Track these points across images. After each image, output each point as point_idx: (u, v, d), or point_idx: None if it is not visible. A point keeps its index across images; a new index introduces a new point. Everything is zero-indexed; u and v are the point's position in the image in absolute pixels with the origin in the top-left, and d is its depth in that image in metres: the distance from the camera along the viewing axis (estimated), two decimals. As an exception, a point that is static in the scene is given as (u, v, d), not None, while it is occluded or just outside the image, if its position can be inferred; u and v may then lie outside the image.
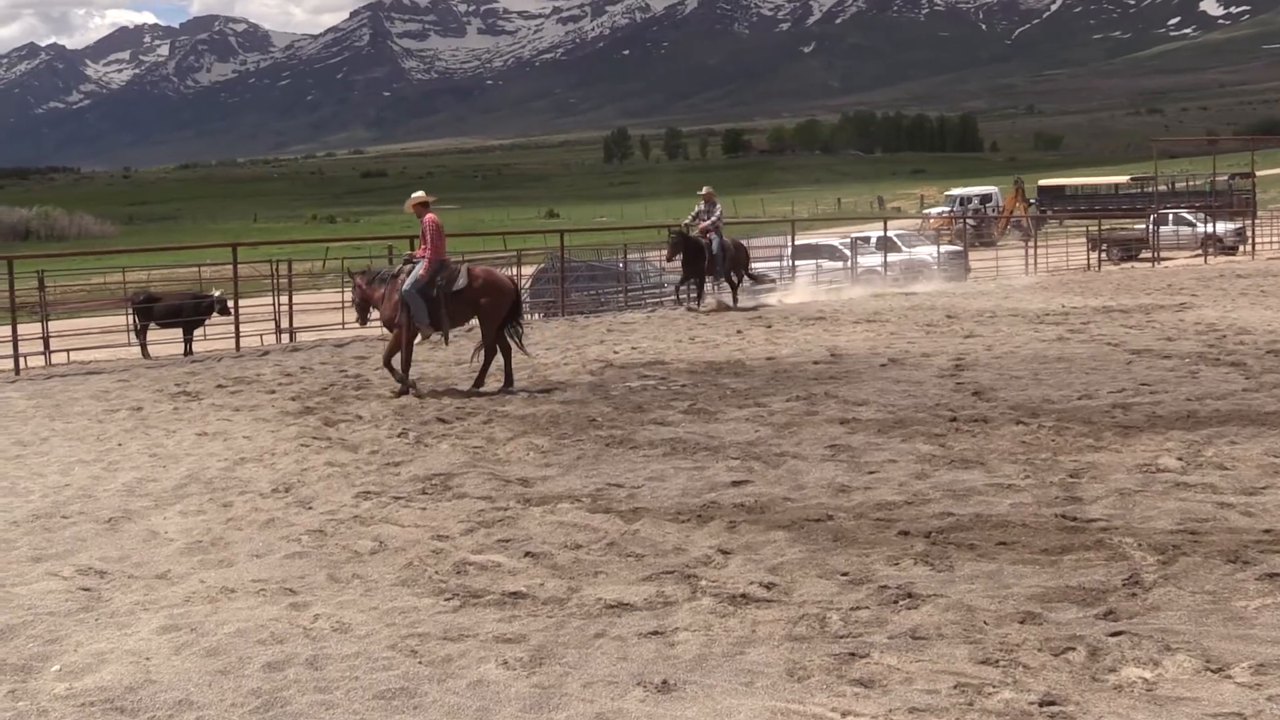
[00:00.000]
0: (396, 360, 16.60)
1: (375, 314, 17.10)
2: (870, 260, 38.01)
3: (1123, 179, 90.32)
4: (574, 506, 9.83)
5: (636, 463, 11.53)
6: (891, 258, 37.67)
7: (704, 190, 27.57)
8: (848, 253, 37.39)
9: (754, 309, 27.60)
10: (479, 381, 16.40)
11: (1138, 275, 37.20)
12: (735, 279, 27.95)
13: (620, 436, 12.83)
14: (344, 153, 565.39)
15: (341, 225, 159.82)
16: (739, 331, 23.13)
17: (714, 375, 17.25)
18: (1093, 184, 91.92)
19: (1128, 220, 61.44)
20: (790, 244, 36.05)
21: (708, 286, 28.26)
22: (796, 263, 35.05)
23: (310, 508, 10.13)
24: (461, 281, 16.48)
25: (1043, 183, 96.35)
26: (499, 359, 16.77)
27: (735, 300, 27.81)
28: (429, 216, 16.82)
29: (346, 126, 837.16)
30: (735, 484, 10.48)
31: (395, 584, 8.03)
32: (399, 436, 13.14)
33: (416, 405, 15.20)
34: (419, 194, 17.05)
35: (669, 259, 27.19)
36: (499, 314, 16.51)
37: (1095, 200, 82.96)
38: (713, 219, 26.94)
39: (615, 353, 20.39)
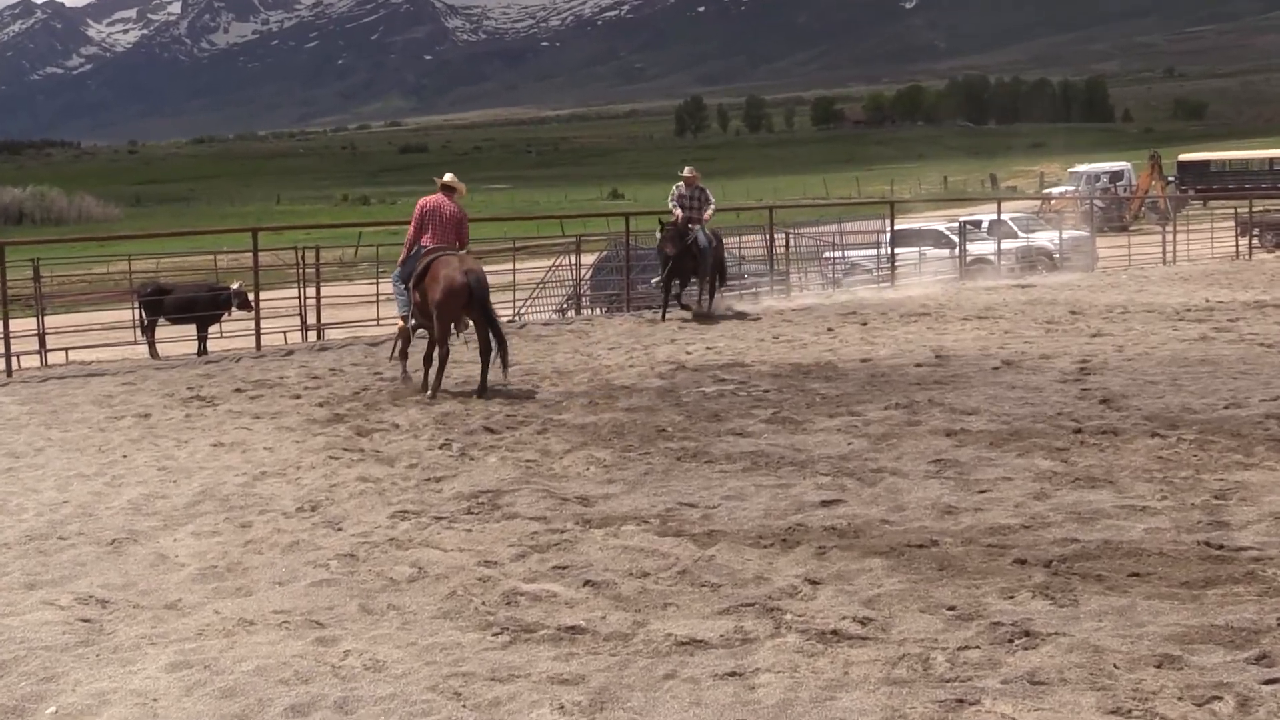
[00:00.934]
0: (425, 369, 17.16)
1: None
2: (982, 248, 37.81)
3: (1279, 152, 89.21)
4: (640, 529, 9.84)
5: (712, 479, 11.53)
6: (1006, 244, 37.43)
7: (686, 171, 25.95)
8: (955, 239, 37.22)
9: (845, 307, 27.50)
10: (432, 385, 16.74)
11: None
12: (716, 280, 26.37)
13: (693, 449, 12.83)
14: (379, 125, 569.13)
15: (376, 207, 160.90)
16: (830, 329, 23.08)
17: (801, 379, 17.22)
18: (1243, 158, 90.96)
19: (1282, 200, 60.73)
20: (889, 229, 35.91)
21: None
22: (896, 250, 34.91)
23: (340, 529, 10.20)
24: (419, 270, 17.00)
25: (1184, 157, 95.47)
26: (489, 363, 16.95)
27: (711, 305, 25.95)
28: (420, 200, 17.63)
29: (382, 95, 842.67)
30: (825, 504, 10.46)
31: (436, 616, 8.07)
32: (441, 448, 13.21)
33: (461, 413, 15.28)
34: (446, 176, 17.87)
35: (670, 253, 25.11)
36: (444, 313, 16.75)
37: (1246, 178, 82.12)
38: (709, 211, 25.55)
39: (688, 353, 20.40)
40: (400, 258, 17.66)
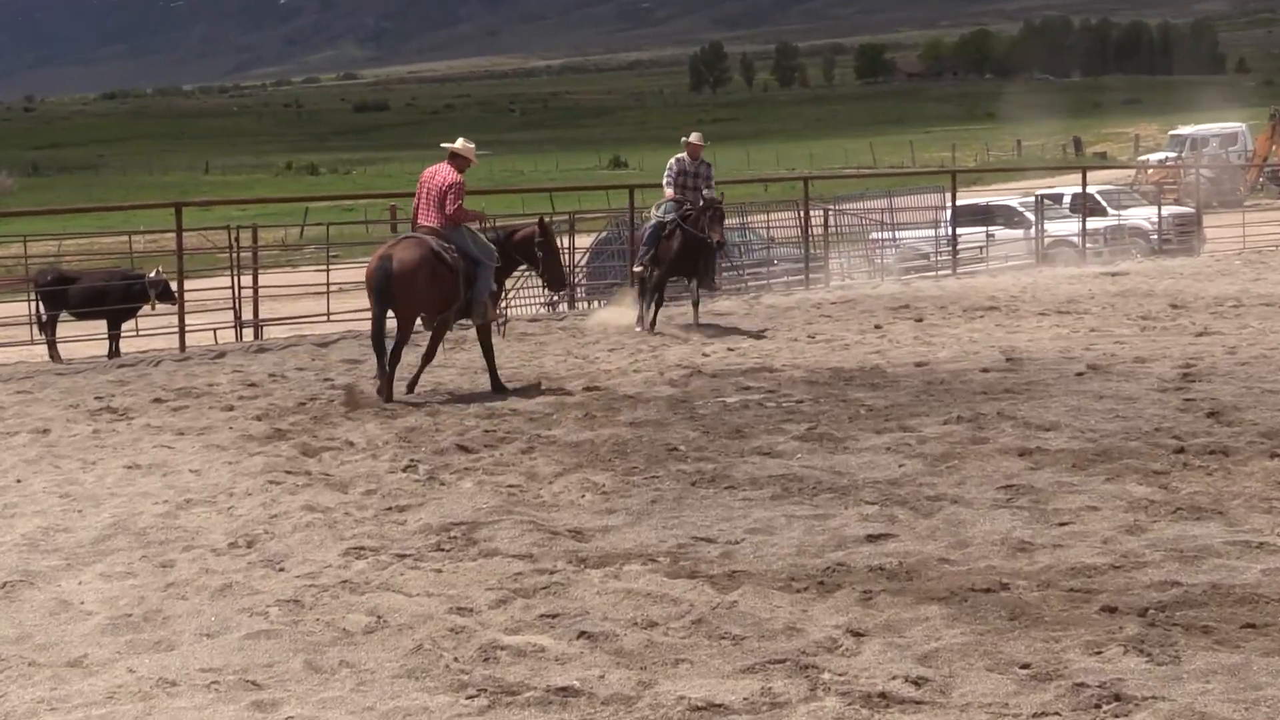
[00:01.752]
0: None
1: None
2: (1063, 227, 37.81)
3: None
4: (646, 569, 9.85)
5: (734, 508, 11.54)
6: (1093, 223, 37.44)
7: (693, 137, 24.66)
8: (1031, 217, 37.23)
9: (897, 300, 27.48)
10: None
11: None
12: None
13: (711, 472, 12.84)
14: (330, 78, 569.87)
15: (326, 178, 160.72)
16: (877, 327, 23.12)
17: (842, 387, 17.23)
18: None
19: None
20: (950, 205, 35.91)
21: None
22: (959, 231, 34.91)
23: (282, 569, 10.20)
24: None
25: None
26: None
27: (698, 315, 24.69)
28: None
29: (334, 42, 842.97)
30: (871, 539, 10.46)
31: (398, 675, 8.07)
32: (405, 471, 13.22)
33: (430, 428, 15.30)
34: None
35: (675, 252, 23.76)
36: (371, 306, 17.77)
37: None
38: (710, 190, 24.18)
39: (705, 355, 20.41)
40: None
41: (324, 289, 28.05)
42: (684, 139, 24.72)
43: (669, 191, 24.07)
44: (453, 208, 17.64)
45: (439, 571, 9.98)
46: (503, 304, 19.37)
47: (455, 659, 8.28)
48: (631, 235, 28.86)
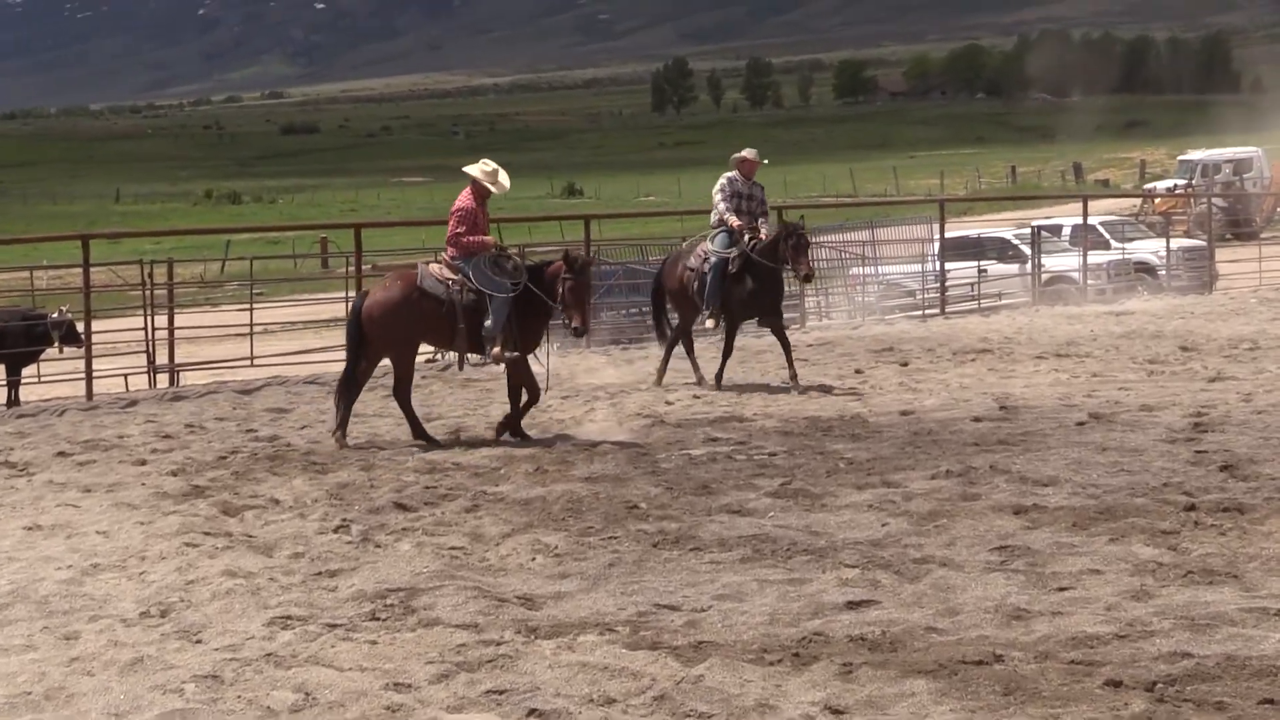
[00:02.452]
0: None
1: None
2: (1062, 261, 37.95)
3: None
4: (604, 639, 9.84)
5: (700, 572, 11.54)
6: (1095, 257, 37.60)
7: (747, 152, 23.41)
8: (1027, 250, 37.35)
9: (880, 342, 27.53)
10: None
11: None
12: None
13: (676, 532, 12.84)
14: (255, 97, 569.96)
15: (250, 207, 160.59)
16: (858, 371, 23.19)
17: (819, 438, 17.26)
18: None
19: None
20: (938, 237, 36.03)
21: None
22: (947, 265, 35.03)
23: (199, 641, 10.16)
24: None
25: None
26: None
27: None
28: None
29: (258, 58, 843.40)
30: (852, 606, 10.47)
31: (328, 759, 8.05)
32: (337, 531, 13.19)
33: (364, 484, 15.27)
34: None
35: (749, 293, 22.42)
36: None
37: None
38: (764, 226, 22.70)
39: (668, 403, 20.42)
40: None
41: (247, 330, 28.05)
42: (737, 155, 23.36)
43: (732, 219, 22.39)
44: (451, 234, 17.97)
45: (374, 643, 9.95)
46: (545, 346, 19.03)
47: (392, 740, 8.27)
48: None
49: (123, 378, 26.54)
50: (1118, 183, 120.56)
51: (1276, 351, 24.33)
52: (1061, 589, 10.74)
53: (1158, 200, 62.45)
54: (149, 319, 26.69)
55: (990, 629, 9.89)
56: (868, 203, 72.79)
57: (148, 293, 27.50)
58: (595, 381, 22.41)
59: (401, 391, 18.08)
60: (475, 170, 18.32)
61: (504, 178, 18.31)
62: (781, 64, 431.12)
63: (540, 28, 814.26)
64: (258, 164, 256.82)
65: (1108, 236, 40.75)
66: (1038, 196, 79.96)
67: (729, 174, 22.95)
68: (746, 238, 22.18)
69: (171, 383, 25.24)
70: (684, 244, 24.88)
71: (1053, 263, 37.68)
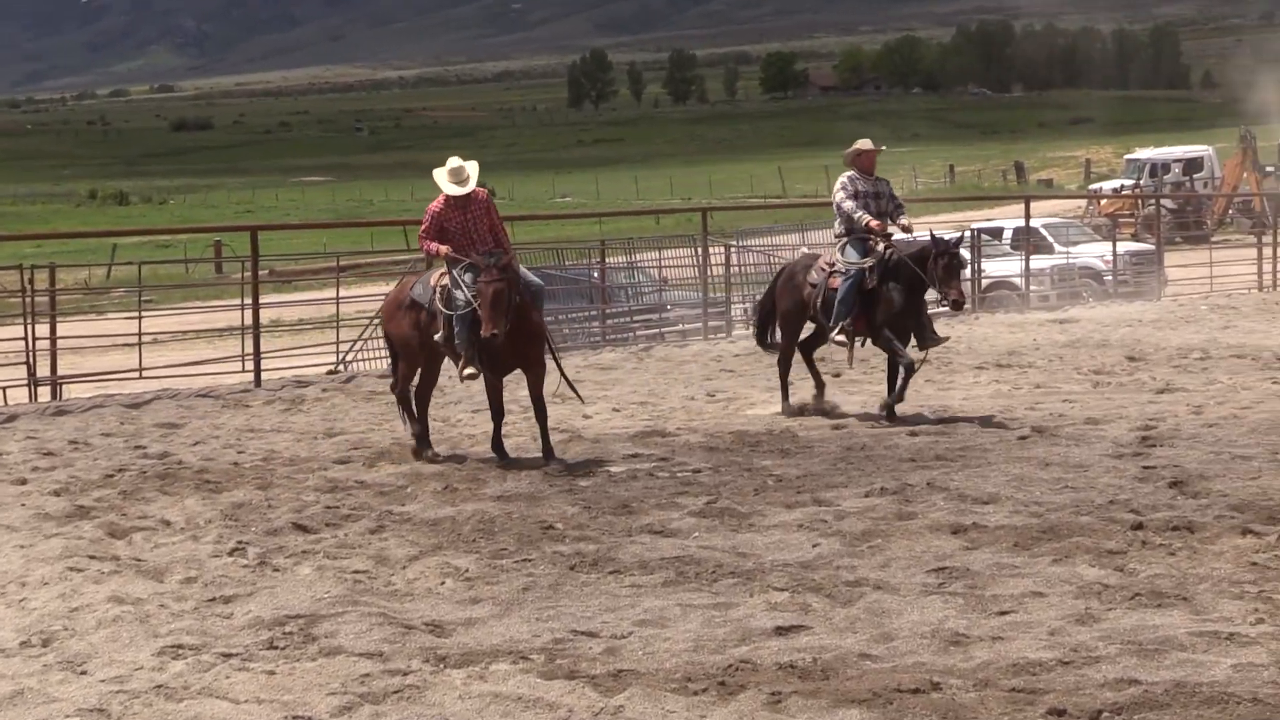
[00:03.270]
0: None
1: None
2: (1003, 266, 38.13)
3: None
4: (517, 669, 9.84)
5: (620, 597, 11.55)
6: (1037, 262, 37.77)
7: (863, 144, 21.40)
8: (966, 254, 37.48)
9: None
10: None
11: None
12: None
13: (594, 554, 12.85)
14: (143, 90, 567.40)
15: (139, 208, 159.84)
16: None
17: (747, 454, 17.29)
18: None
19: None
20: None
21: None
22: (883, 270, 35.12)
23: (84, 672, 10.11)
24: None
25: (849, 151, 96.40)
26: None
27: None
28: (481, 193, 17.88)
29: (147, 49, 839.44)
30: (781, 631, 10.49)
31: (223, 797, 8.03)
32: (232, 555, 13.14)
33: (260, 504, 15.22)
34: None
35: (898, 301, 20.35)
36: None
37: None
38: (904, 219, 21.06)
39: (586, 417, 20.41)
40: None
41: (135, 340, 27.90)
42: (851, 150, 21.42)
43: (870, 219, 20.49)
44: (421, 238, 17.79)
45: (271, 673, 9.92)
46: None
47: (291, 777, 8.26)
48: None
49: (0, 391, 26.38)
50: (1062, 183, 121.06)
51: (1228, 361, 24.48)
52: (1002, 613, 10.78)
53: (1104, 202, 62.93)
54: (29, 328, 26.45)
55: (927, 655, 9.93)
56: (798, 204, 72.73)
57: (28, 300, 27.27)
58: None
59: (402, 392, 18.25)
60: (436, 175, 17.82)
61: (469, 172, 17.65)
62: (706, 56, 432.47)
63: (448, 18, 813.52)
64: (146, 162, 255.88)
65: (1051, 240, 40.94)
66: (977, 197, 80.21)
67: (846, 174, 21.11)
68: (882, 245, 20.35)
69: (54, 396, 25.06)
70: (794, 255, 24.96)
71: (993, 268, 37.89)
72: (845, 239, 20.68)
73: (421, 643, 10.49)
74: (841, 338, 20.44)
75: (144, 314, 29.04)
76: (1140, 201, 60.02)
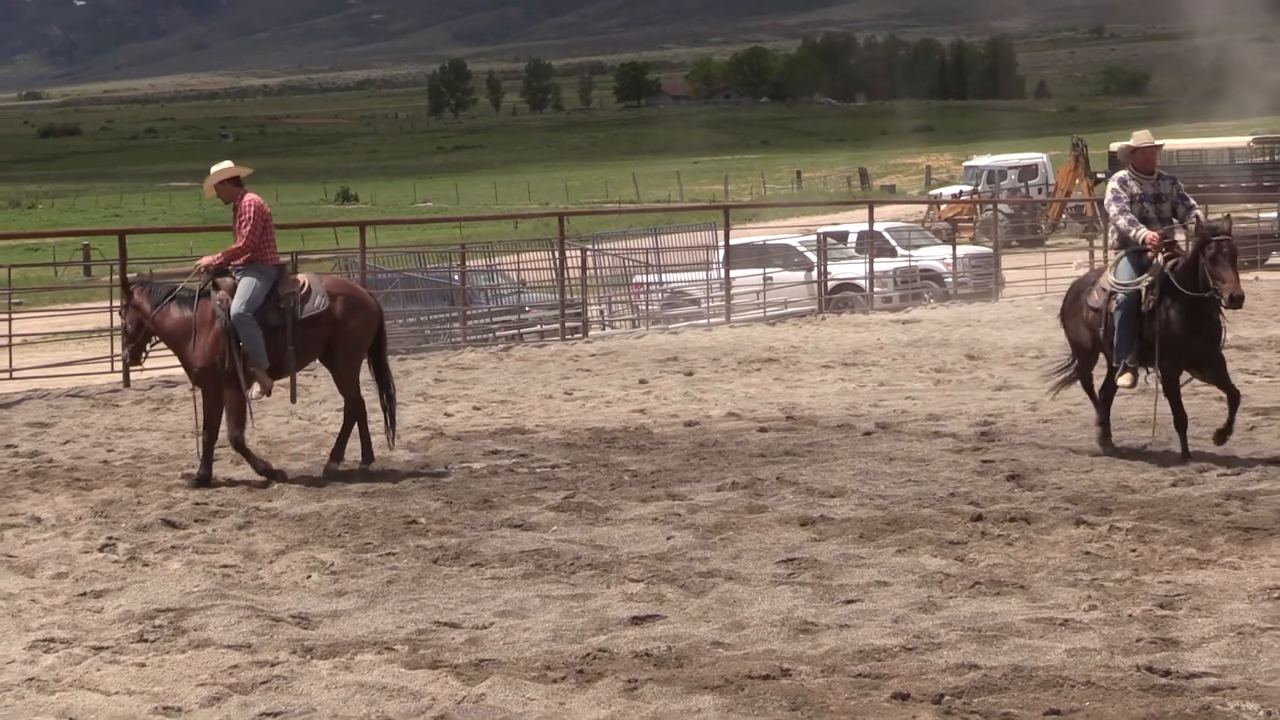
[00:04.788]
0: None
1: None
2: (848, 269, 38.30)
3: (1241, 141, 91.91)
4: (382, 659, 9.81)
5: (482, 589, 11.53)
6: (881, 265, 37.97)
7: (1139, 139, 17.31)
8: (813, 257, 37.61)
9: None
10: (338, 450, 16.77)
11: (1269, 292, 37.68)
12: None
13: (456, 547, 12.83)
14: (10, 97, 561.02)
15: (8, 213, 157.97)
16: (642, 382, 23.21)
17: (603, 450, 17.29)
18: (1195, 148, 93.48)
19: (1250, 204, 62.40)
20: (723, 244, 36.22)
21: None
22: (732, 273, 35.21)
23: (-44, 666, 10.01)
24: (320, 301, 16.48)
25: (1117, 146, 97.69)
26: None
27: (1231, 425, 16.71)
28: (249, 198, 16.77)
29: (13, 57, 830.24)
30: (637, 621, 10.51)
31: (95, 786, 7.97)
32: (102, 550, 13.02)
33: (130, 501, 15.10)
34: (226, 165, 17.07)
35: (1180, 324, 16.24)
36: (366, 344, 16.99)
37: (1200, 174, 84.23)
38: (1193, 219, 16.92)
39: (447, 415, 20.37)
40: (265, 281, 16.61)
41: (5, 342, 27.58)
42: (1124, 145, 17.49)
43: (1143, 231, 16.43)
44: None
45: (142, 665, 9.84)
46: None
47: (161, 766, 8.20)
48: (363, 279, 28.62)
49: None
50: (904, 189, 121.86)
51: (1062, 359, 24.64)
52: (849, 601, 10.85)
53: (944, 207, 63.29)
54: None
55: (777, 643, 9.97)
56: (651, 209, 73.08)
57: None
58: None
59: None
60: (235, 169, 17.00)
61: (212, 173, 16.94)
62: (561, 66, 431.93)
63: (310, 28, 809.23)
64: (15, 168, 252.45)
65: (894, 243, 41.22)
66: (823, 203, 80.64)
67: (1119, 175, 17.33)
68: (1162, 257, 16.31)
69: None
70: (1077, 269, 21.41)
71: (839, 270, 38.01)
72: (1122, 253, 16.77)
73: (289, 634, 10.44)
74: (1125, 380, 16.41)
75: (14, 316, 28.68)
76: (978, 206, 60.48)
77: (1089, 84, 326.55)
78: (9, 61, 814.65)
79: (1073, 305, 17.42)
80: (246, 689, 9.33)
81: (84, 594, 11.66)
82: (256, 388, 16.67)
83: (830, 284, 36.84)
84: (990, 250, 43.17)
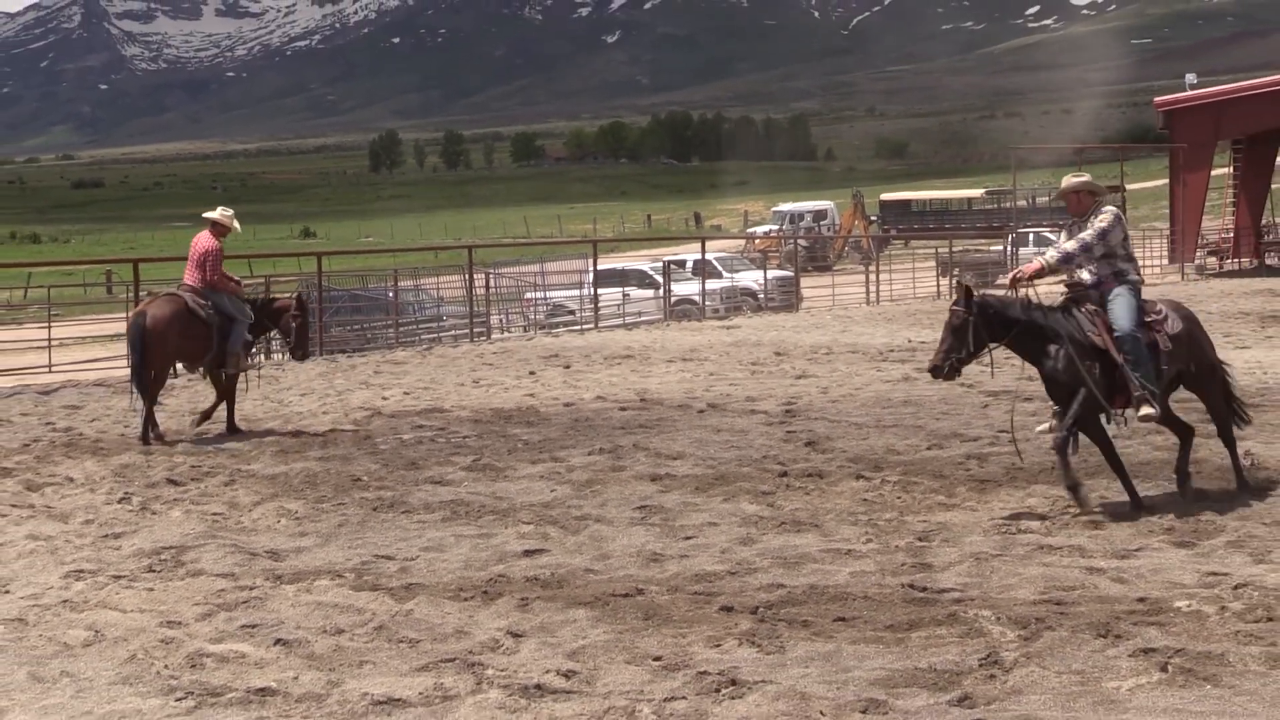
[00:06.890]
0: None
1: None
2: (686, 288, 38.43)
3: (977, 192, 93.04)
4: (334, 584, 9.73)
5: (410, 530, 11.47)
6: (710, 284, 38.13)
7: (1064, 182, 12.41)
8: (659, 279, 37.74)
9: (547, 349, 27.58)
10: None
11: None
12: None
13: (390, 499, 12.76)
14: (50, 158, 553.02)
15: (48, 246, 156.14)
16: (532, 373, 23.16)
17: (502, 425, 17.25)
18: (943, 198, 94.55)
19: (983, 240, 63.24)
20: (592, 269, 36.25)
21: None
22: (599, 291, 35.24)
23: (7, 591, 9.86)
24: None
25: (885, 196, 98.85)
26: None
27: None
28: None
29: (52, 127, 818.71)
30: (528, 554, 10.49)
31: (114, 682, 7.85)
32: (120, 502, 12.89)
33: (142, 465, 14.93)
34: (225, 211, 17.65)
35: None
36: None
37: (946, 217, 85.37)
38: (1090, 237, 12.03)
39: (384, 399, 20.25)
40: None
41: (46, 344, 27.20)
42: (1073, 180, 12.33)
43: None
44: (213, 274, 17.11)
45: (151, 590, 9.74)
46: (255, 357, 18.73)
47: (166, 666, 8.10)
48: (320, 296, 28.46)
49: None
50: (728, 227, 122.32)
51: (846, 356, 24.83)
52: (688, 538, 10.86)
53: (757, 240, 63.64)
54: (-34, 335, 25.78)
55: (634, 569, 9.97)
56: (538, 242, 72.88)
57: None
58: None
59: (153, 393, 17.12)
60: (217, 214, 17.56)
61: (236, 221, 17.75)
62: (471, 135, 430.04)
63: (280, 106, 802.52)
64: (54, 212, 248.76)
65: (720, 269, 41.42)
66: (667, 238, 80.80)
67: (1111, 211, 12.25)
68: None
69: (-15, 386, 24.36)
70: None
71: (679, 289, 38.18)
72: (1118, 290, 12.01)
73: (263, 566, 10.36)
74: (1148, 408, 11.50)
75: (53, 324, 28.30)
76: (783, 241, 60.85)
77: (864, 150, 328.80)
78: (48, 131, 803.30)
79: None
80: (231, 607, 9.25)
81: (106, 535, 11.52)
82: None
83: (673, 299, 36.95)
84: (792, 274, 43.48)
